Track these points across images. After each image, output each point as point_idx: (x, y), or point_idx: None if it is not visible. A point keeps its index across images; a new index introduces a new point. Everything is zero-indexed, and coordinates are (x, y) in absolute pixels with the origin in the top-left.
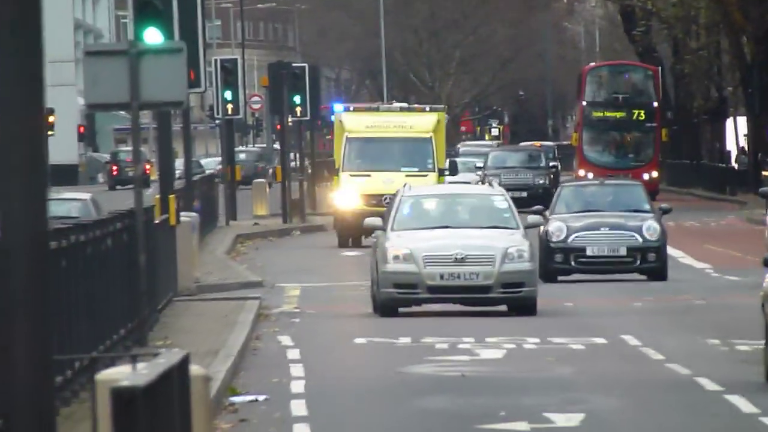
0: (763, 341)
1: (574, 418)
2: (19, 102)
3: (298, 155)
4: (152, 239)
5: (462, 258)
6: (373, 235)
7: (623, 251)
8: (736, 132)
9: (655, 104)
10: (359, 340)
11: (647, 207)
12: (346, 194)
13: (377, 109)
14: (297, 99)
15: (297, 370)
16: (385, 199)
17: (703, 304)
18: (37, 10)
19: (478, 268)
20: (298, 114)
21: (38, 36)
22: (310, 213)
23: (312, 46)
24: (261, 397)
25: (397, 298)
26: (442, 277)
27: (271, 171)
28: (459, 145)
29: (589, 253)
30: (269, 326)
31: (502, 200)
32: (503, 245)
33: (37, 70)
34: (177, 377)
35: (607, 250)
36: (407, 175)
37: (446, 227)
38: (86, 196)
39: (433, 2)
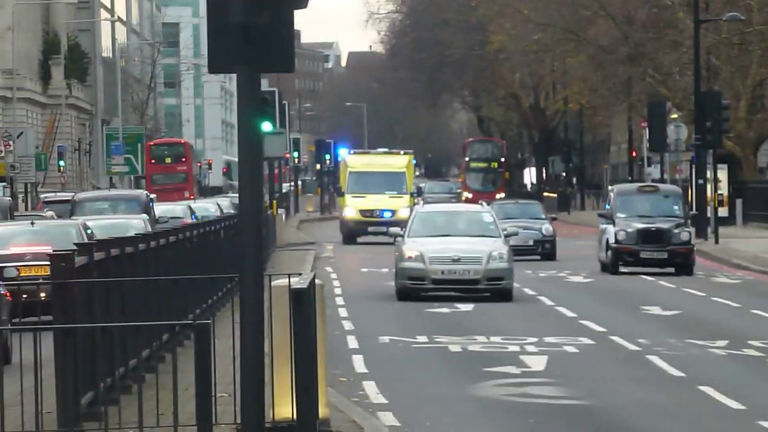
0: None
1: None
2: (253, 152)
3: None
4: (266, 220)
5: (458, 258)
6: (395, 240)
7: (531, 242)
8: (530, 175)
9: (502, 159)
10: (363, 269)
11: (543, 216)
12: (349, 209)
13: (369, 152)
14: (327, 156)
15: (336, 282)
16: (376, 212)
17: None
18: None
19: (470, 266)
20: (328, 163)
21: (257, 122)
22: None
23: (332, 130)
24: None
25: (410, 288)
26: (443, 272)
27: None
28: None
29: (511, 243)
30: (321, 262)
31: (488, 216)
32: (488, 249)
33: (259, 138)
34: (313, 284)
35: (521, 241)
36: (390, 197)
37: (447, 235)
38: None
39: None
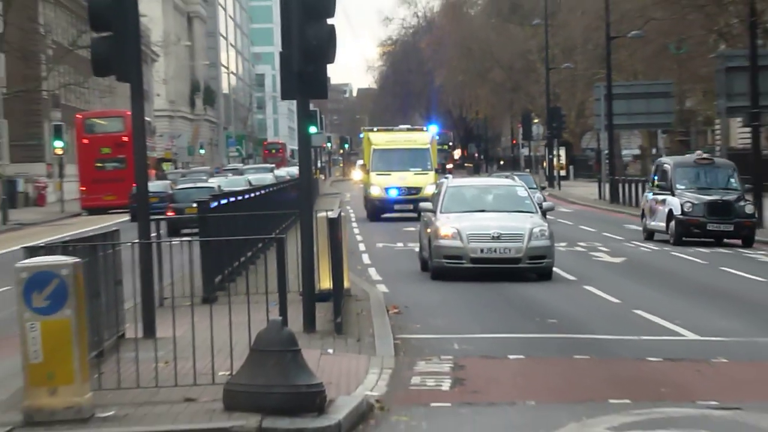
0: None
1: None
2: (306, 143)
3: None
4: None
5: (498, 236)
6: (421, 216)
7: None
8: (455, 154)
9: (450, 143)
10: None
11: (534, 185)
12: (375, 187)
13: (392, 129)
14: (346, 145)
15: (352, 214)
16: (401, 190)
17: None
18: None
19: (511, 244)
20: (346, 149)
21: (308, 126)
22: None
23: (348, 132)
24: None
25: (446, 267)
26: (482, 251)
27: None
28: None
29: None
30: (344, 204)
31: (522, 190)
32: (529, 226)
33: (309, 136)
34: (340, 216)
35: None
36: (415, 174)
37: (482, 211)
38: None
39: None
